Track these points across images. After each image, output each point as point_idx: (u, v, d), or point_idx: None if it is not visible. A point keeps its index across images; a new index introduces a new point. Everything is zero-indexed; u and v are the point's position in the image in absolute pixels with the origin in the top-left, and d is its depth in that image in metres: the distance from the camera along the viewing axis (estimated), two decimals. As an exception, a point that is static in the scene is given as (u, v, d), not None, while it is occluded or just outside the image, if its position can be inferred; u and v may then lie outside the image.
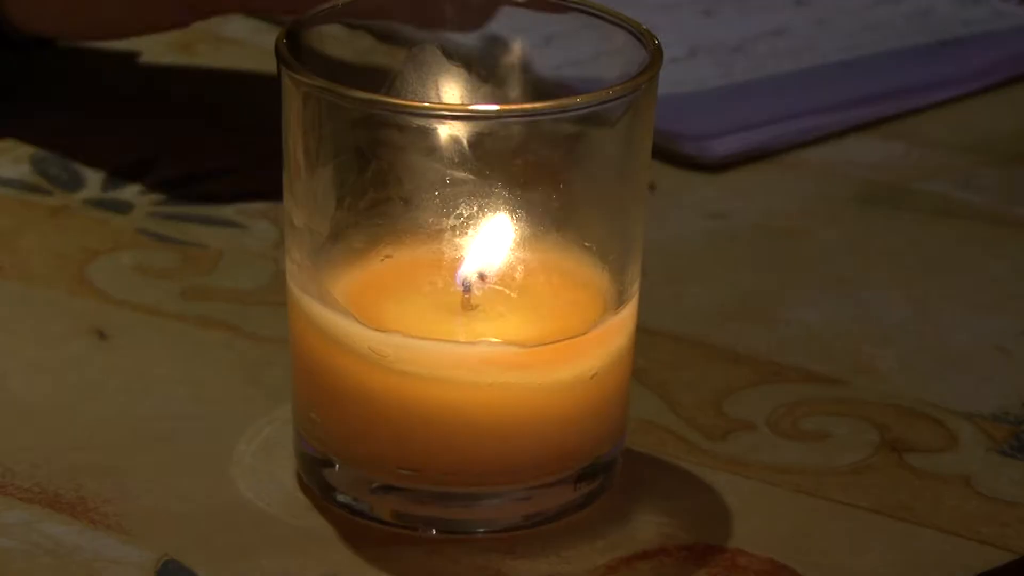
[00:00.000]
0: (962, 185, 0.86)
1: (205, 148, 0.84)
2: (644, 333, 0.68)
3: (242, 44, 0.92)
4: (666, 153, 0.85)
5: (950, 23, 0.97)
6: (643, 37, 0.66)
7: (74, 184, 0.82)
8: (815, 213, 0.84)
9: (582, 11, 0.68)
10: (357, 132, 0.64)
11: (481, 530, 0.65)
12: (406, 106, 0.64)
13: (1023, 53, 0.94)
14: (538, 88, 0.68)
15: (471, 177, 0.64)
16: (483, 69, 0.68)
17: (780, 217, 0.84)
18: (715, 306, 0.78)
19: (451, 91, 0.67)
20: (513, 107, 0.66)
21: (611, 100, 0.64)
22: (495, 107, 0.66)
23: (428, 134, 0.64)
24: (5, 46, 0.84)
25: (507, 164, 0.64)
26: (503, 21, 0.70)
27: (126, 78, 0.88)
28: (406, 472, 0.65)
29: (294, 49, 0.64)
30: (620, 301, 0.65)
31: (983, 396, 0.73)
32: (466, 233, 0.65)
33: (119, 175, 0.82)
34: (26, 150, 0.84)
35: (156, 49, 0.92)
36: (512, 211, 0.65)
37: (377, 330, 0.64)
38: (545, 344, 0.64)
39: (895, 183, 0.86)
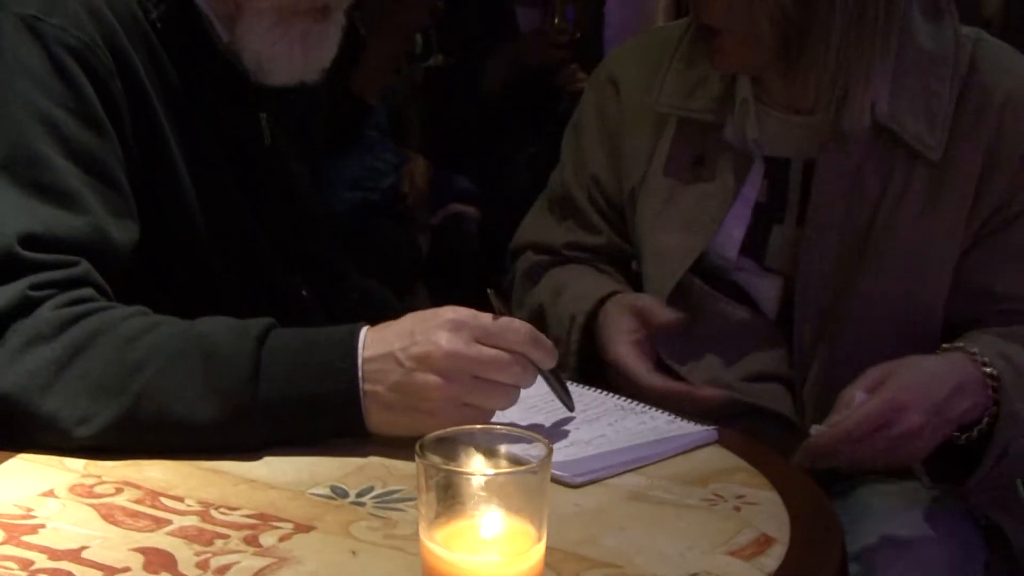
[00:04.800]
0: (665, 490, 0.83)
1: (393, 479, 0.82)
2: (549, 549, 0.65)
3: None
4: (557, 481, 0.82)
5: (662, 431, 0.94)
6: (543, 442, 0.66)
7: (342, 496, 0.79)
8: (611, 502, 0.81)
9: (521, 436, 0.68)
10: (440, 477, 0.63)
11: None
12: (458, 471, 0.65)
13: (686, 444, 0.92)
14: (511, 458, 0.66)
15: (483, 493, 0.64)
16: (488, 454, 0.66)
17: (584, 504, 0.79)
18: (575, 539, 0.75)
19: (476, 463, 0.67)
20: (501, 470, 0.66)
21: (534, 467, 0.64)
22: (494, 471, 0.66)
23: (466, 480, 0.64)
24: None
25: (498, 489, 0.63)
26: (494, 439, 0.68)
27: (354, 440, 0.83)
28: (462, 603, 0.62)
29: (422, 449, 0.64)
30: (539, 539, 0.64)
31: (681, 569, 0.69)
32: (484, 515, 0.64)
33: (358, 492, 0.80)
34: (327, 480, 0.81)
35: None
36: (500, 506, 0.64)
37: (451, 551, 0.63)
38: (512, 556, 0.63)
39: (639, 492, 0.83)
